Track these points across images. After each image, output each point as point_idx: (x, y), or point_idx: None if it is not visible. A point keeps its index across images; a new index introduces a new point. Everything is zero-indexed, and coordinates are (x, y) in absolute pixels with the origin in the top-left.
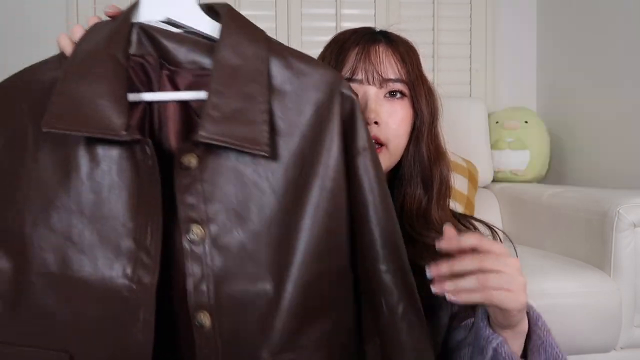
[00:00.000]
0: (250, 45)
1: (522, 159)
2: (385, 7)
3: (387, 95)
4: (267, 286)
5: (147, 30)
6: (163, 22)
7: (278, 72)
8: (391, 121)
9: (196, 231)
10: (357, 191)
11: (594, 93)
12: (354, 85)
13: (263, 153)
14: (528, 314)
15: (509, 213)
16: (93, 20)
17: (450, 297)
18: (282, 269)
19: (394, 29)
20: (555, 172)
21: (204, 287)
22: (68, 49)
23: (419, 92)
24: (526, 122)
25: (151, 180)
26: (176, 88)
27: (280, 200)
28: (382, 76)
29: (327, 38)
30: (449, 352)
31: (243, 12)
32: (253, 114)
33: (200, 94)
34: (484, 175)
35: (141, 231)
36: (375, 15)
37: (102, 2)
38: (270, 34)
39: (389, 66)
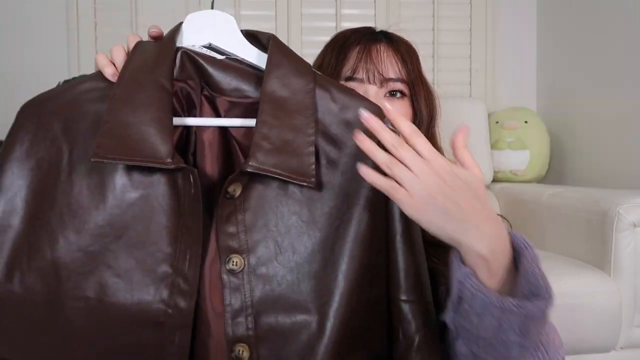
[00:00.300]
0: (296, 77)
1: (522, 159)
2: (385, 7)
3: (387, 94)
4: (309, 316)
5: (191, 56)
6: (205, 47)
7: (322, 104)
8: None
9: (236, 261)
10: (388, 221)
11: (594, 93)
12: (354, 84)
13: (309, 184)
14: (516, 244)
15: (509, 213)
16: (134, 39)
17: (361, 169)
18: (325, 299)
19: (394, 30)
20: (555, 172)
21: (242, 319)
22: (107, 70)
23: (418, 92)
24: (526, 122)
25: (193, 208)
26: (216, 113)
27: (322, 230)
28: (382, 75)
29: (327, 38)
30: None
31: (243, 12)
32: (300, 146)
33: (248, 122)
34: (484, 175)
35: (180, 258)
36: (375, 15)
37: (102, 2)
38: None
39: (389, 66)
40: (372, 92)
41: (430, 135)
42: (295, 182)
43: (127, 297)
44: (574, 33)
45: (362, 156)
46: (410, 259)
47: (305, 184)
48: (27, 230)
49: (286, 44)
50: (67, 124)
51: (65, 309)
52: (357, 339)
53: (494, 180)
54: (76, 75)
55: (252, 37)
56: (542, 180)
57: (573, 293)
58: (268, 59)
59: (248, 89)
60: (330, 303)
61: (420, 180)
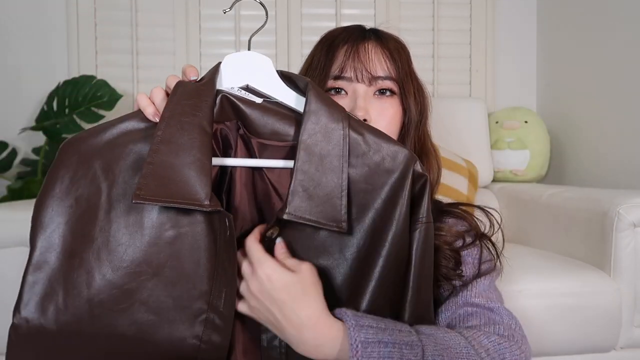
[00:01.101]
0: (332, 122)
1: (522, 159)
2: (385, 7)
3: (377, 93)
4: None
5: (230, 100)
6: (243, 88)
7: (356, 149)
8: (381, 119)
9: None
10: (409, 252)
11: (594, 93)
12: (342, 83)
13: (341, 230)
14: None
15: (508, 213)
16: (173, 80)
17: None
18: None
19: (384, 27)
20: (555, 172)
21: (277, 343)
22: (149, 110)
23: (408, 89)
24: (526, 122)
25: (228, 249)
26: (250, 153)
27: (352, 266)
28: (371, 74)
29: None
30: None
31: (243, 13)
32: (333, 191)
33: (289, 163)
34: (484, 175)
35: (216, 295)
36: (375, 16)
37: (102, 2)
38: (271, 33)
39: (378, 64)
40: (361, 90)
41: (421, 132)
42: (328, 228)
43: (161, 333)
44: (574, 33)
45: (393, 198)
46: (417, 285)
47: (336, 229)
48: (63, 267)
49: (286, 43)
50: (107, 162)
51: (99, 345)
52: None
53: (494, 180)
54: (76, 75)
55: (288, 79)
56: (542, 180)
57: (573, 293)
58: (306, 104)
59: (286, 132)
60: None
61: (246, 281)
